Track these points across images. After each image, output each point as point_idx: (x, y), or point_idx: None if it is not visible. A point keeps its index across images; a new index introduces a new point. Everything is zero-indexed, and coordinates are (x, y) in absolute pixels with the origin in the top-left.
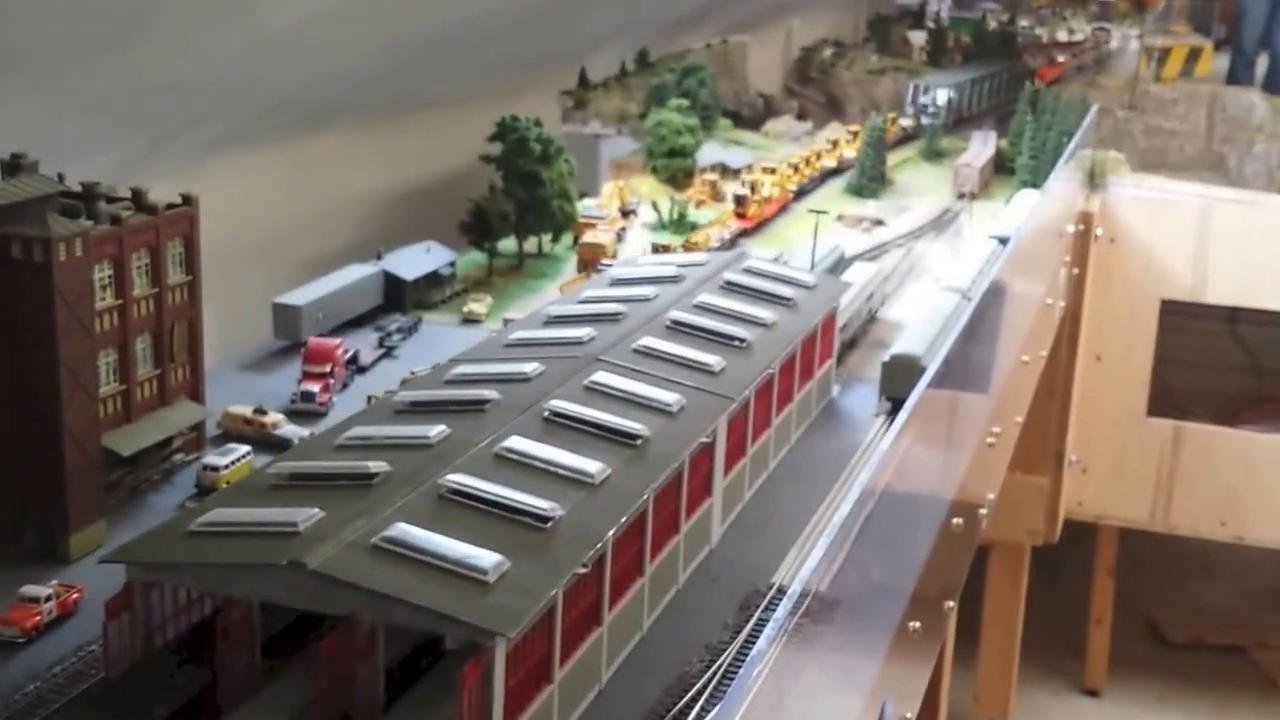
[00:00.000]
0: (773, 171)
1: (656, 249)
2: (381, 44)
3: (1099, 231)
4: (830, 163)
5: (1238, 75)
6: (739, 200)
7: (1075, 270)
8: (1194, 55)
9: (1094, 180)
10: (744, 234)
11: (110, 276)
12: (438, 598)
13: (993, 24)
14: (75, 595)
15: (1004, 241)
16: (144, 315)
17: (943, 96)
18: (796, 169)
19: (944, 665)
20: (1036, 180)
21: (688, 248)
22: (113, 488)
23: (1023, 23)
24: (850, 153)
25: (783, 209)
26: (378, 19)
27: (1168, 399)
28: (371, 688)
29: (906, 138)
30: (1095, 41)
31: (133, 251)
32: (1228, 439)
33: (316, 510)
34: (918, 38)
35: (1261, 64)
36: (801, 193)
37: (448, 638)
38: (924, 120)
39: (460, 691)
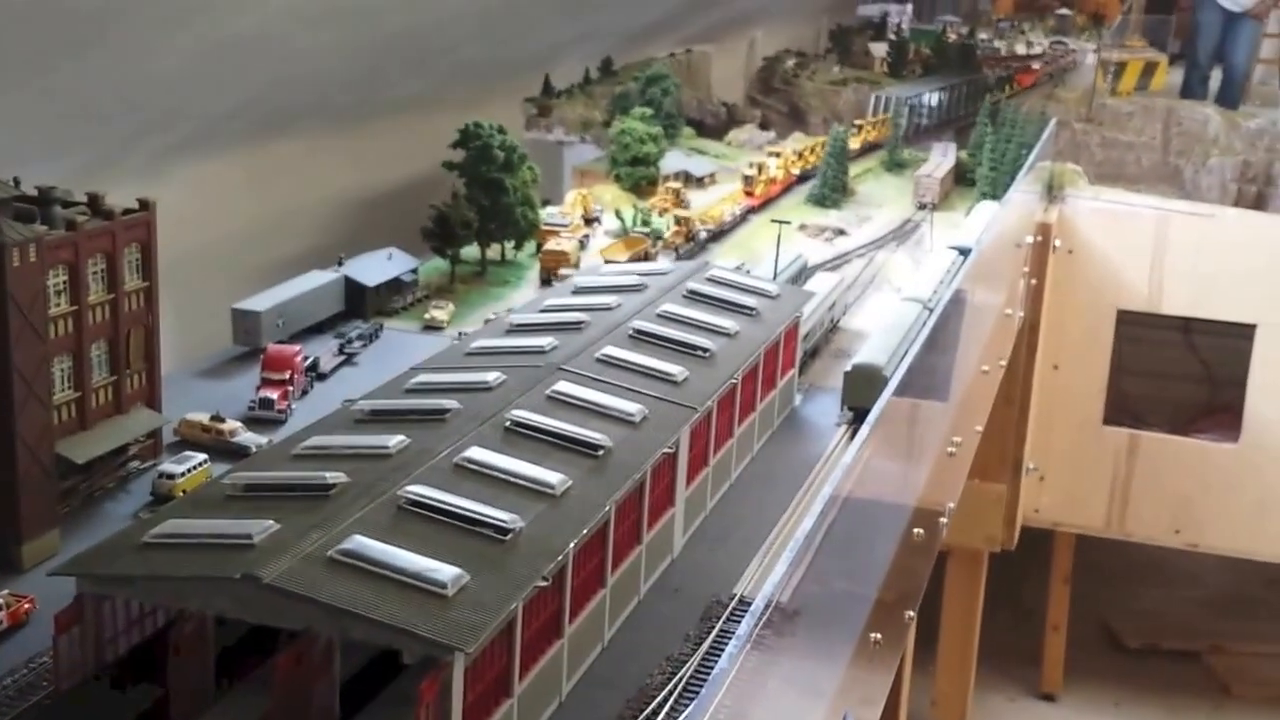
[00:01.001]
0: (778, 155)
1: (679, 220)
2: (345, 49)
3: (1057, 242)
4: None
5: (1192, 89)
6: (746, 179)
7: (1034, 281)
8: (1150, 69)
9: (1052, 192)
10: (751, 210)
11: (65, 282)
12: (395, 612)
13: (952, 36)
14: (27, 606)
15: (964, 252)
16: (100, 321)
17: (934, 99)
18: (801, 155)
19: (904, 672)
20: (996, 191)
21: (703, 221)
22: (67, 496)
23: (981, 36)
24: (854, 144)
25: (786, 190)
26: (341, 24)
27: (1123, 408)
28: (327, 702)
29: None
30: (1058, 53)
31: (88, 257)
32: (1182, 447)
33: (272, 522)
34: (879, 49)
35: (1216, 78)
36: (805, 177)
37: (405, 652)
38: (919, 122)
39: (418, 707)
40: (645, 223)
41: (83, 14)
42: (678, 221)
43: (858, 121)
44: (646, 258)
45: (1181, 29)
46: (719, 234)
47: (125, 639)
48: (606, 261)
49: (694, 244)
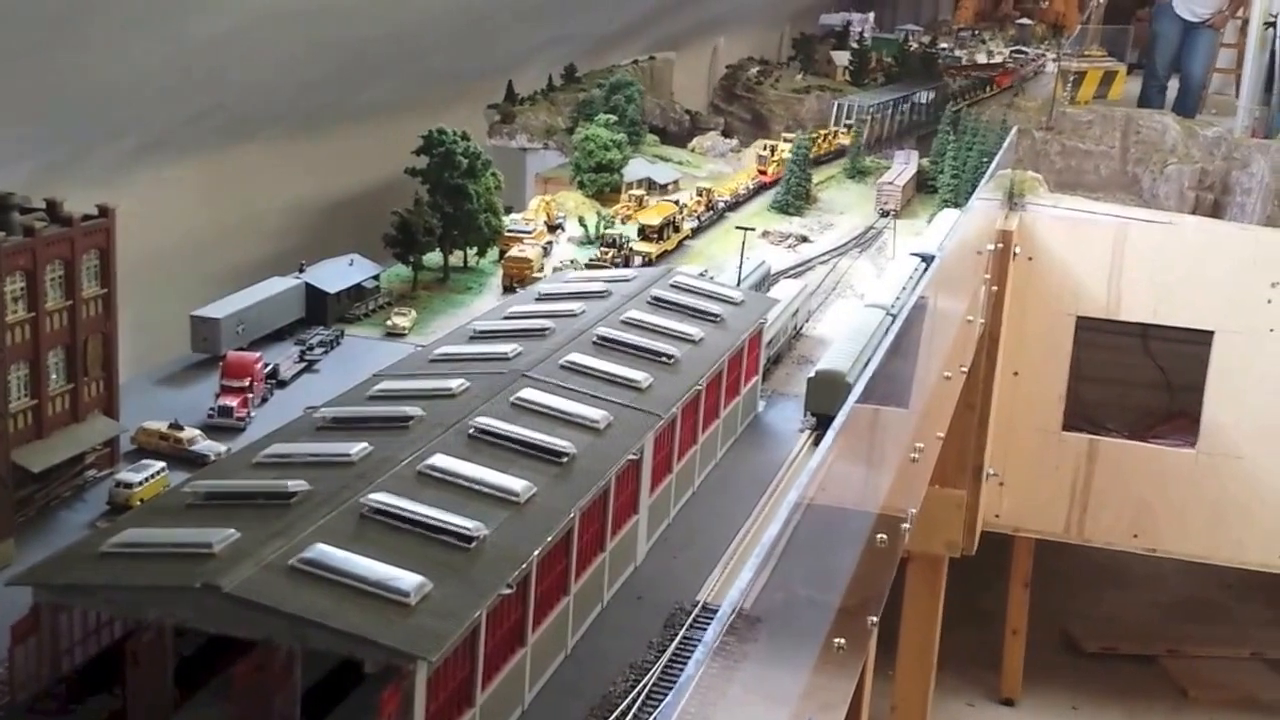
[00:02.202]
0: (790, 140)
1: (700, 191)
2: (308, 55)
3: (1017, 250)
4: (845, 141)
5: (1150, 98)
6: (760, 159)
7: (994, 288)
8: (1108, 78)
9: (1013, 200)
10: (764, 187)
11: (22, 289)
12: (356, 621)
13: (913, 45)
14: None
15: (926, 259)
16: (57, 329)
17: (925, 97)
18: (815, 141)
19: (865, 678)
20: (958, 199)
21: (720, 194)
22: (22, 505)
23: (942, 45)
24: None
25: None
26: (305, 30)
27: (1082, 414)
28: (288, 713)
29: (902, 132)
30: (1028, 58)
31: (46, 263)
32: (1140, 453)
33: (232, 531)
34: (841, 58)
35: (1173, 88)
36: (818, 161)
37: (367, 661)
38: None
39: (379, 716)
40: (608, 230)
41: (42, 16)
42: (699, 193)
43: (820, 131)
44: (675, 222)
45: (1139, 39)
46: (735, 204)
47: (83, 649)
48: (641, 226)
49: (713, 212)
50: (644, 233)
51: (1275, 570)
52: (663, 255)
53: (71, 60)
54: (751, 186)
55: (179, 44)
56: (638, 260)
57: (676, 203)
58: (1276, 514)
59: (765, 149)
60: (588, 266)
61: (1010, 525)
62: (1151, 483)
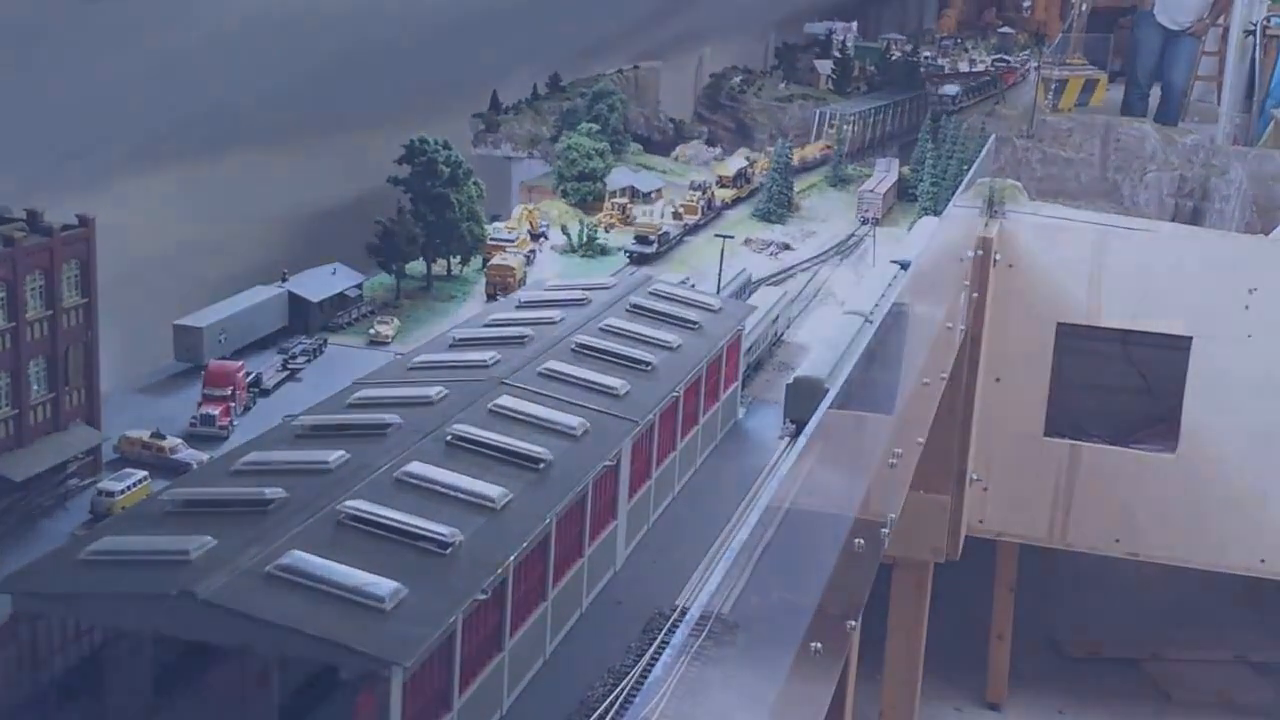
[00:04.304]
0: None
1: (766, 153)
2: (290, 64)
3: (998, 256)
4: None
5: (1132, 106)
6: (826, 134)
7: (975, 294)
8: (1090, 86)
9: (993, 207)
10: (827, 159)
11: (2, 299)
12: (332, 627)
13: (896, 53)
14: None
15: (906, 266)
16: (38, 338)
17: (951, 89)
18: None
19: (848, 683)
20: (938, 207)
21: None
22: (4, 514)
23: (925, 53)
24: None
25: (824, 162)
26: (287, 39)
27: (1064, 419)
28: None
29: (884, 140)
30: (1019, 63)
31: (26, 273)
32: (1121, 458)
33: (209, 538)
34: (824, 66)
35: (1156, 95)
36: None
37: (343, 668)
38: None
39: None
40: (591, 238)
41: (20, 28)
42: (765, 153)
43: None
44: (744, 173)
45: (1121, 47)
46: (801, 169)
47: (62, 657)
48: (720, 176)
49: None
50: (721, 182)
51: (1256, 573)
52: (737, 200)
53: (47, 73)
54: (818, 156)
55: (159, 56)
56: (718, 203)
57: (748, 158)
58: (1256, 517)
59: (830, 125)
60: (682, 205)
61: (994, 530)
62: (1133, 487)
